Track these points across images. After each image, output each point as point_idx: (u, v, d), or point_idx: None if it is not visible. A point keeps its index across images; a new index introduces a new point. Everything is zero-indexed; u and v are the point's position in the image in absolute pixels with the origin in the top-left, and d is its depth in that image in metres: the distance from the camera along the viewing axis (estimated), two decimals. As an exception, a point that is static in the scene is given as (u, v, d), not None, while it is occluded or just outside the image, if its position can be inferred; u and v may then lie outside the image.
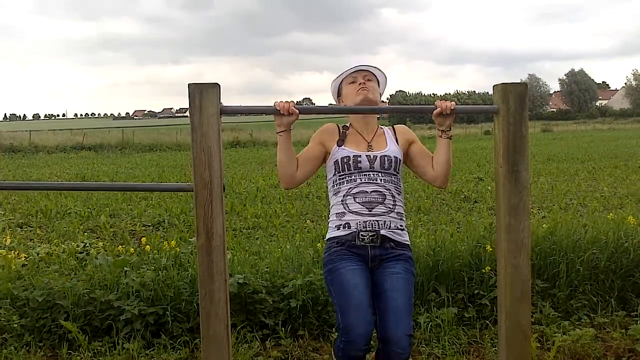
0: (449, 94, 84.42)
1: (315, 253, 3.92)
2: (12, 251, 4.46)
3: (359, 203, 1.85)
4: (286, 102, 1.91)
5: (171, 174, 13.34)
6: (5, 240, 5.03)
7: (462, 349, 3.08)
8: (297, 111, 1.91)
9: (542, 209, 7.17)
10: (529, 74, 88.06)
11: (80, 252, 4.68)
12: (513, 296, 1.91)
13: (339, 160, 1.91)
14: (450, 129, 1.97)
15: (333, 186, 1.92)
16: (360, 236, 1.83)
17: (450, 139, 1.98)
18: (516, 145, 1.90)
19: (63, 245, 5.01)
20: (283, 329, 3.20)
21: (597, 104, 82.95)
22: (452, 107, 1.93)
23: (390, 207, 1.87)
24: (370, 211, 1.85)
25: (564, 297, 3.52)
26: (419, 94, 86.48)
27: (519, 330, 1.92)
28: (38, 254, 4.55)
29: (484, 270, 3.49)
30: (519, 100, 1.90)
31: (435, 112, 1.94)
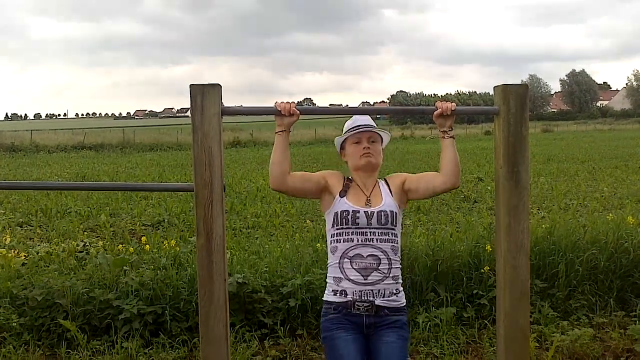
0: (450, 94, 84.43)
1: (314, 253, 3.92)
2: (12, 250, 4.46)
3: (355, 269, 1.92)
4: (287, 102, 1.91)
5: (172, 174, 13.34)
6: (5, 239, 5.03)
7: (461, 348, 3.08)
8: (298, 112, 1.92)
9: (542, 209, 7.17)
10: (530, 74, 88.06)
11: (80, 252, 4.68)
12: (512, 296, 1.92)
13: (338, 213, 1.96)
14: (451, 129, 1.98)
15: (331, 242, 1.99)
16: (356, 306, 1.91)
17: (453, 138, 1.98)
18: (516, 146, 1.90)
19: (63, 245, 5.02)
20: (282, 328, 3.21)
21: (598, 104, 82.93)
22: (453, 108, 1.94)
23: (385, 273, 1.92)
24: (366, 279, 1.91)
25: (563, 297, 3.52)
26: (420, 94, 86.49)
27: (517, 330, 1.92)
28: (38, 253, 4.55)
29: (482, 270, 3.49)
30: (519, 102, 1.90)
31: (435, 113, 1.94)
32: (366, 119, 2.08)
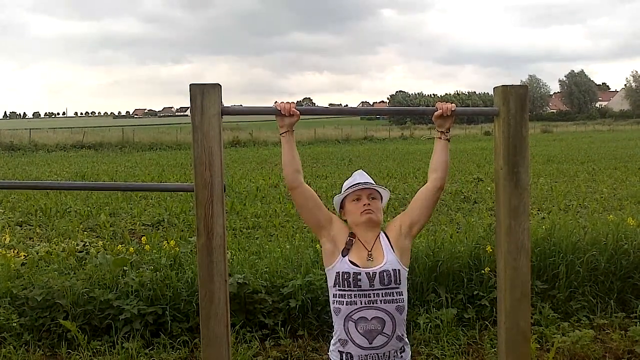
0: (450, 94, 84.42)
1: (314, 253, 3.92)
2: (12, 250, 4.46)
3: (360, 333, 1.91)
4: (287, 102, 1.91)
5: (171, 173, 13.33)
6: (5, 239, 5.03)
7: (462, 349, 3.08)
8: (298, 112, 1.91)
9: (542, 210, 7.17)
10: (530, 75, 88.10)
11: (80, 251, 4.67)
12: (513, 297, 1.92)
13: (340, 274, 1.93)
14: (449, 130, 1.98)
15: (333, 301, 1.98)
16: None
17: (449, 140, 1.98)
18: (516, 147, 1.90)
19: (63, 244, 5.01)
20: (282, 329, 3.21)
21: (597, 105, 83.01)
22: (453, 109, 1.94)
23: (389, 335, 1.91)
24: (371, 343, 1.90)
25: (564, 298, 3.52)
26: (420, 94, 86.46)
27: (518, 331, 1.92)
28: (37, 253, 4.54)
29: (483, 271, 3.49)
30: (519, 103, 1.90)
31: (435, 114, 1.94)
32: (365, 177, 2.07)
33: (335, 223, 2.00)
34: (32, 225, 6.62)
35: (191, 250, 4.12)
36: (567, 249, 3.71)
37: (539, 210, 7.15)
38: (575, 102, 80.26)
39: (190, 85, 1.82)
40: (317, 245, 4.12)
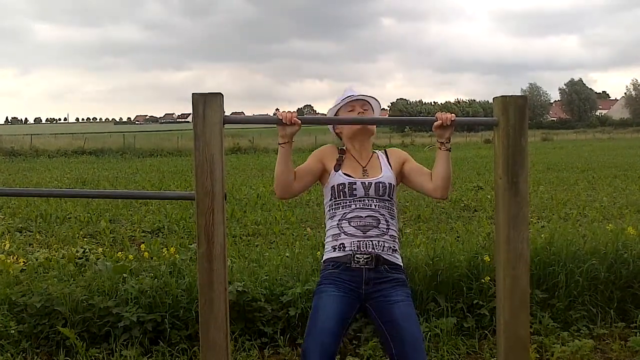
0: (450, 102, 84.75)
1: (314, 261, 3.91)
2: (11, 256, 4.45)
3: (353, 227, 1.93)
4: (288, 112, 1.93)
5: (172, 180, 13.35)
6: (4, 245, 5.02)
7: (461, 358, 3.07)
8: (299, 122, 1.94)
9: (541, 219, 7.17)
10: (530, 83, 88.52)
11: (80, 258, 4.67)
12: (512, 306, 1.92)
13: (335, 187, 1.98)
14: (449, 140, 2.00)
15: (329, 210, 2.01)
16: (356, 258, 1.89)
17: (450, 150, 2.00)
18: (516, 157, 1.91)
19: (62, 251, 5.01)
20: (282, 337, 3.20)
21: (597, 113, 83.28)
22: (452, 119, 1.96)
23: (384, 230, 1.94)
24: (365, 234, 1.92)
25: (563, 307, 3.51)
26: (420, 102, 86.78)
27: (517, 340, 1.92)
28: (37, 259, 4.53)
29: (483, 280, 3.49)
30: (518, 113, 1.92)
31: (435, 124, 1.96)
32: (356, 90, 2.14)
33: (323, 157, 2.05)
34: (31, 232, 6.62)
35: (191, 258, 4.12)
36: (567, 258, 3.71)
37: (538, 219, 7.14)
38: (576, 110, 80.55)
39: (192, 94, 1.84)
40: (317, 253, 4.12)
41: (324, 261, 1.98)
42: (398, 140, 38.23)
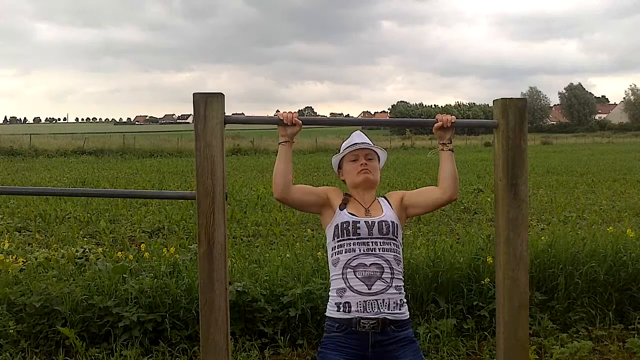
0: (450, 105, 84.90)
1: (315, 262, 3.92)
2: (10, 255, 4.45)
3: (358, 278, 1.89)
4: (289, 112, 1.94)
5: (172, 180, 13.35)
6: (4, 244, 5.02)
7: (461, 359, 3.08)
8: (300, 122, 1.94)
9: (541, 221, 7.18)
10: (530, 87, 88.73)
11: (79, 258, 4.67)
12: (511, 308, 1.92)
13: (339, 225, 1.96)
14: (450, 141, 2.00)
15: (332, 254, 1.98)
16: (362, 323, 1.87)
17: (452, 151, 2.01)
18: (515, 160, 1.93)
19: (62, 250, 5.00)
20: (282, 338, 3.20)
21: (597, 117, 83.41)
22: (453, 121, 1.97)
23: (388, 282, 1.90)
24: (370, 288, 1.88)
25: (562, 309, 3.52)
26: (420, 105, 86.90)
27: (517, 342, 1.93)
28: (36, 259, 4.53)
29: (483, 282, 3.50)
30: (518, 115, 1.93)
31: (436, 125, 1.97)
32: (363, 137, 2.10)
33: (330, 193, 2.04)
34: (31, 231, 6.62)
35: (191, 258, 4.12)
36: (567, 260, 3.72)
37: (538, 222, 7.15)
38: (575, 115, 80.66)
39: (193, 94, 1.85)
40: (318, 254, 4.12)
41: (328, 318, 1.94)
42: (398, 143, 38.24)
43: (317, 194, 2.03)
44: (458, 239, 5.36)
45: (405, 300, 1.96)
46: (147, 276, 3.50)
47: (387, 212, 2.00)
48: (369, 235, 1.93)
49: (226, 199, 1.87)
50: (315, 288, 3.33)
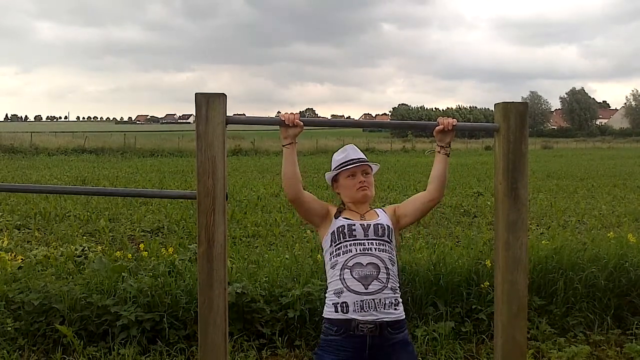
0: (451, 108, 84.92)
1: (314, 263, 3.92)
2: (9, 253, 4.45)
3: (355, 278, 1.93)
4: (291, 113, 1.94)
5: (172, 180, 13.35)
6: (3, 242, 5.02)
7: (458, 363, 3.07)
8: (302, 123, 1.95)
9: (540, 226, 7.17)
10: (531, 91, 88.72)
11: (79, 256, 4.66)
12: (509, 311, 1.92)
13: (335, 231, 2.01)
14: (449, 145, 2.02)
15: (330, 259, 2.01)
16: (360, 328, 1.87)
17: (448, 155, 2.02)
18: (516, 163, 1.93)
19: (61, 249, 5.00)
20: (280, 338, 3.20)
21: (597, 122, 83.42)
22: (454, 124, 1.97)
23: (384, 282, 1.94)
24: (367, 288, 1.92)
25: (561, 314, 3.52)
26: (421, 108, 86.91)
27: (514, 345, 1.93)
28: (35, 257, 4.53)
29: (482, 285, 3.50)
30: (519, 119, 1.94)
31: (437, 128, 1.98)
32: (357, 152, 2.13)
33: (330, 208, 2.10)
34: (30, 229, 6.62)
35: (190, 258, 4.12)
36: (567, 265, 3.72)
37: (537, 226, 7.15)
38: (576, 119, 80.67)
39: (195, 94, 1.85)
40: (317, 256, 4.12)
41: (326, 320, 1.97)
42: (399, 145, 38.24)
43: (322, 204, 2.09)
44: (457, 242, 5.36)
45: (400, 300, 1.98)
46: (146, 275, 3.50)
47: (382, 217, 2.06)
48: (364, 236, 1.97)
49: (227, 199, 1.87)
50: (314, 289, 3.33)
